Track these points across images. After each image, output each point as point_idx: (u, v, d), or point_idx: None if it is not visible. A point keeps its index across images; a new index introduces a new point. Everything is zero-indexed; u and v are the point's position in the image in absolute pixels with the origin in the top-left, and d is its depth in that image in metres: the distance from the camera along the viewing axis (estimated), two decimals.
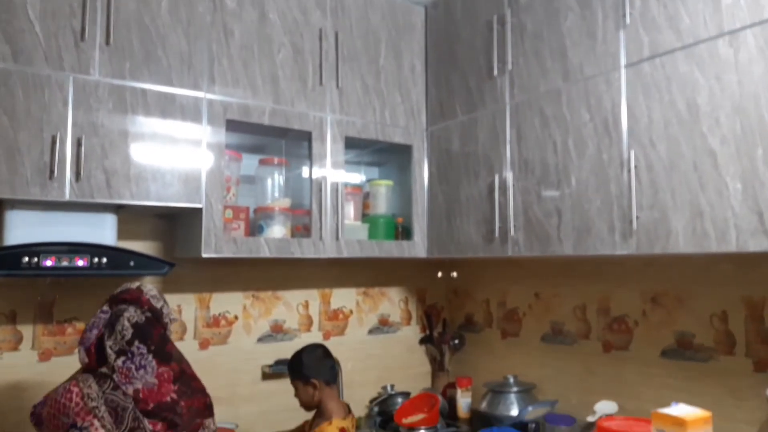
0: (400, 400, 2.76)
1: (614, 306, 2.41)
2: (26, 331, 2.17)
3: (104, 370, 1.58)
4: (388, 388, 2.90)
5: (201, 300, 2.53)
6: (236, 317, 2.62)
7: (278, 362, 2.66)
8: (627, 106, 1.90)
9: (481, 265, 3.05)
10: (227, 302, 2.60)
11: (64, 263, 1.88)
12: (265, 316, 2.70)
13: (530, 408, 2.47)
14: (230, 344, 2.59)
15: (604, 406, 2.30)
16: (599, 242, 1.97)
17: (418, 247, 2.65)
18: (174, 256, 2.37)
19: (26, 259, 1.83)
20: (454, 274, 3.19)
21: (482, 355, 3.02)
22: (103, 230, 2.04)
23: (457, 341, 3.10)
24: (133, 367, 1.58)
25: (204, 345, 2.52)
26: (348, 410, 2.01)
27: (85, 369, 1.63)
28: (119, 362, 1.57)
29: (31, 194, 1.84)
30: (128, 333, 1.59)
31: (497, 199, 2.31)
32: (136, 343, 1.60)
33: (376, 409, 2.80)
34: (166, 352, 1.65)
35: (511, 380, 2.65)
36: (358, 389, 2.86)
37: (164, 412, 1.57)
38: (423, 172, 2.71)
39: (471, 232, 2.45)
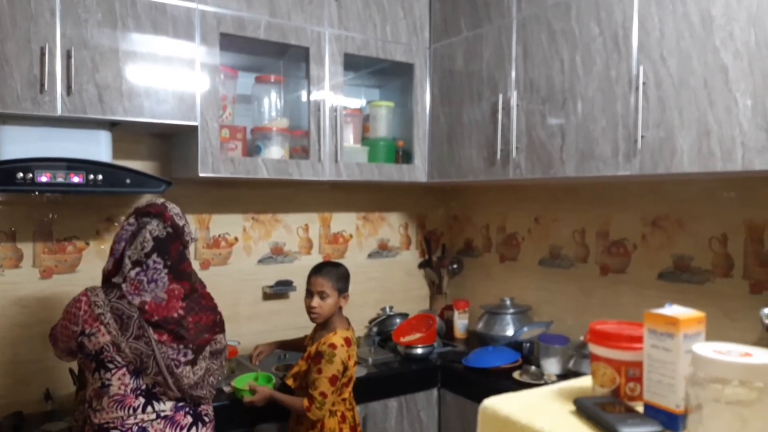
0: (398, 320, 2.81)
1: (614, 230, 2.41)
2: (26, 249, 2.17)
3: (116, 279, 1.61)
4: (387, 309, 2.95)
5: (200, 221, 2.53)
6: (236, 239, 2.63)
7: (278, 283, 2.70)
8: (639, 18, 1.82)
9: (482, 190, 3.03)
10: (227, 224, 2.60)
11: (60, 179, 1.86)
12: (265, 239, 2.71)
13: (525, 329, 2.52)
14: (231, 265, 2.61)
15: None
16: (602, 163, 1.94)
17: (418, 170, 2.62)
18: (171, 176, 2.35)
19: (21, 174, 1.81)
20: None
21: (480, 279, 3.05)
22: (97, 147, 2.00)
23: (455, 266, 3.13)
24: (145, 279, 1.61)
25: (205, 265, 2.54)
26: (349, 323, 2.05)
27: (105, 280, 1.67)
28: (132, 273, 1.60)
29: (22, 108, 1.79)
30: (148, 245, 1.62)
31: (500, 121, 2.26)
32: (154, 256, 1.62)
33: (375, 329, 2.86)
34: (180, 270, 1.67)
35: (508, 302, 2.69)
36: (358, 311, 2.90)
37: (170, 324, 1.60)
38: (425, 93, 2.64)
39: (472, 155, 2.42)
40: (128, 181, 1.98)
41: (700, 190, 2.11)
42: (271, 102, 2.43)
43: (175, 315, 1.62)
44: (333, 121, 2.37)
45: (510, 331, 2.60)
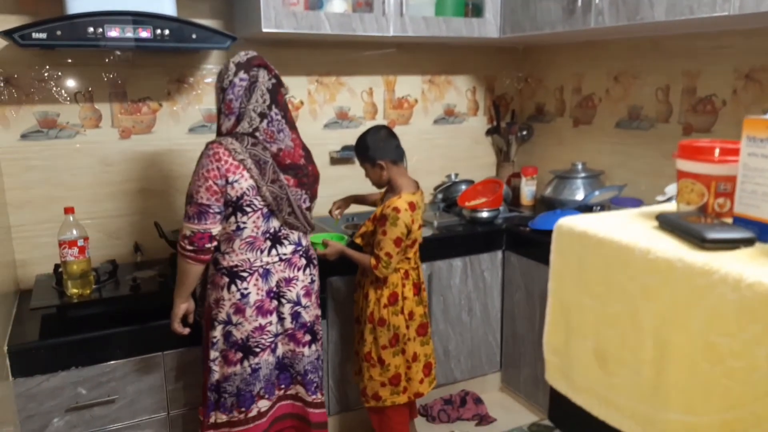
0: (463, 187, 2.79)
1: (701, 86, 2.23)
2: (104, 109, 2.25)
3: (240, 130, 1.63)
4: (452, 176, 2.93)
5: None
6: (302, 102, 2.62)
7: (345, 148, 2.70)
8: None
9: (557, 49, 2.84)
10: (292, 86, 2.57)
11: (128, 34, 1.86)
12: (330, 102, 2.68)
13: (597, 192, 2.44)
14: (298, 129, 2.62)
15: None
16: (696, 3, 1.75)
17: (489, 25, 2.46)
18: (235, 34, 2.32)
19: (91, 29, 1.82)
20: None
21: (550, 145, 2.95)
22: (161, 2, 1.97)
23: (525, 132, 3.03)
24: (274, 130, 1.66)
25: None
26: (417, 186, 2.04)
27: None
28: (264, 124, 1.64)
29: None
30: (267, 97, 1.65)
31: None
32: (274, 108, 1.66)
33: (440, 195, 2.86)
34: (290, 119, 1.73)
35: (579, 166, 2.61)
36: (422, 178, 2.87)
37: (296, 169, 1.70)
38: None
39: (550, 4, 2.23)
40: (194, 36, 1.96)
41: None
42: None
43: (301, 162, 1.72)
44: None
45: (580, 196, 2.55)
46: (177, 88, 2.34)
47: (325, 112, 2.68)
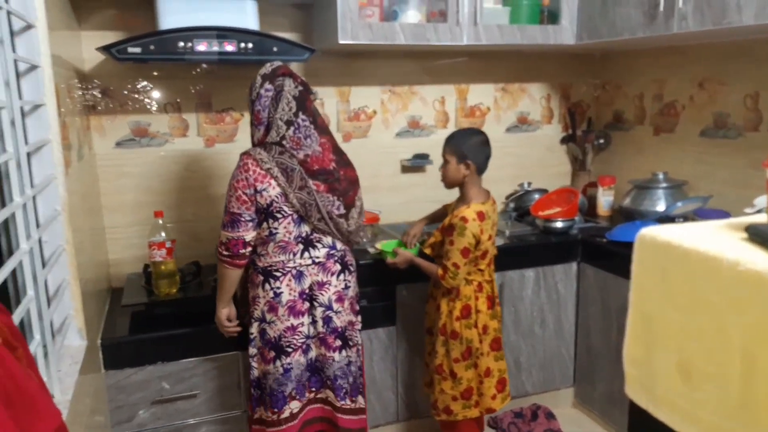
0: (536, 196, 2.75)
1: None
2: (191, 119, 2.38)
3: (269, 140, 1.70)
4: (525, 185, 2.89)
5: (341, 93, 2.59)
6: (375, 112, 2.67)
7: (416, 156, 2.73)
8: None
9: (636, 54, 2.75)
10: (366, 96, 2.63)
11: (215, 48, 1.97)
12: (402, 111, 2.72)
13: (679, 203, 2.34)
14: (370, 138, 2.68)
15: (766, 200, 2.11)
16: None
17: (565, 32, 2.42)
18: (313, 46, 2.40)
19: (182, 43, 1.94)
20: None
21: (629, 154, 2.85)
22: (245, 16, 2.08)
23: (602, 140, 2.95)
24: (301, 136, 1.70)
25: (347, 138, 2.62)
26: (488, 195, 2.02)
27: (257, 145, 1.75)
28: (290, 132, 1.69)
29: None
30: (294, 105, 1.70)
31: None
32: (301, 114, 1.70)
33: (512, 204, 2.83)
34: (320, 124, 1.76)
35: (660, 176, 2.51)
36: (494, 186, 2.82)
37: (326, 175, 1.72)
38: None
39: (629, 9, 2.17)
40: (275, 49, 2.05)
41: None
42: None
43: (330, 167, 1.74)
44: None
45: (661, 207, 2.45)
46: None
47: (397, 121, 2.72)
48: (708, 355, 0.72)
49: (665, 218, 2.33)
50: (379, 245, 2.16)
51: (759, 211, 2.05)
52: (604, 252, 2.36)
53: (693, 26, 1.94)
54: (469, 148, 1.93)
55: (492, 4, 2.42)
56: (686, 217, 2.31)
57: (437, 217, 2.21)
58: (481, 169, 1.97)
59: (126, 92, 2.28)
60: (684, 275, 0.76)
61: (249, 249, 1.72)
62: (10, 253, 1.29)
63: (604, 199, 2.78)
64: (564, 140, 3.01)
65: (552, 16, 2.46)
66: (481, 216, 1.92)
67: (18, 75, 1.34)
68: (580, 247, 2.47)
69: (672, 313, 0.78)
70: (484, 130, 2.01)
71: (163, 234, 1.99)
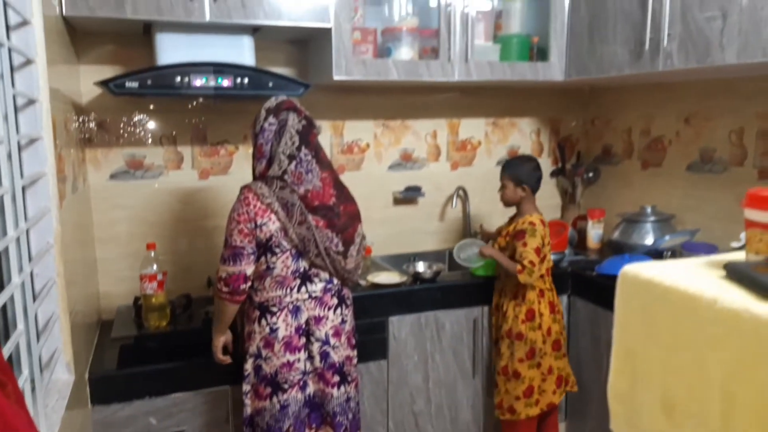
0: None
1: None
2: (186, 152, 2.41)
3: (271, 173, 1.71)
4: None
5: (335, 127, 2.63)
6: (368, 145, 2.71)
7: (408, 188, 2.76)
8: None
9: (624, 91, 2.82)
10: (359, 130, 2.67)
11: (211, 83, 2.01)
12: (395, 145, 2.76)
13: (667, 237, 2.37)
14: (363, 170, 2.71)
15: None
16: None
17: (554, 68, 2.48)
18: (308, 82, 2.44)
19: (179, 78, 1.98)
20: None
21: (618, 188, 2.90)
22: (241, 52, 2.12)
23: (591, 174, 2.99)
24: (303, 171, 1.71)
25: (340, 170, 2.65)
26: (540, 213, 2.22)
27: (258, 178, 1.76)
28: (292, 166, 1.70)
29: (175, 15, 1.93)
30: (296, 139, 1.71)
31: (651, 5, 2.05)
32: (303, 149, 1.72)
33: None
34: (322, 158, 1.77)
35: (648, 210, 2.54)
36: (485, 220, 2.91)
37: (326, 211, 1.73)
38: None
39: (617, 47, 2.24)
40: (271, 84, 2.09)
41: None
42: (401, 2, 2.40)
43: (330, 203, 1.74)
44: (464, 17, 2.30)
45: (649, 240, 2.47)
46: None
47: (390, 154, 2.75)
48: (689, 392, 0.73)
49: (654, 252, 2.36)
50: (471, 263, 2.33)
51: (742, 247, 2.08)
52: (594, 285, 2.37)
53: (678, 64, 2.00)
54: (523, 173, 2.19)
55: (483, 42, 2.48)
56: (674, 251, 2.33)
57: (492, 235, 2.44)
58: (534, 189, 2.22)
59: (122, 125, 2.31)
60: (665, 312, 0.78)
61: (249, 284, 1.72)
62: (2, 286, 1.29)
63: (594, 232, 2.80)
64: (554, 174, 3.05)
65: (541, 53, 2.52)
66: (543, 222, 2.17)
67: (16, 109, 1.37)
68: (570, 279, 2.49)
69: (654, 350, 0.79)
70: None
71: (155, 266, 1.99)
